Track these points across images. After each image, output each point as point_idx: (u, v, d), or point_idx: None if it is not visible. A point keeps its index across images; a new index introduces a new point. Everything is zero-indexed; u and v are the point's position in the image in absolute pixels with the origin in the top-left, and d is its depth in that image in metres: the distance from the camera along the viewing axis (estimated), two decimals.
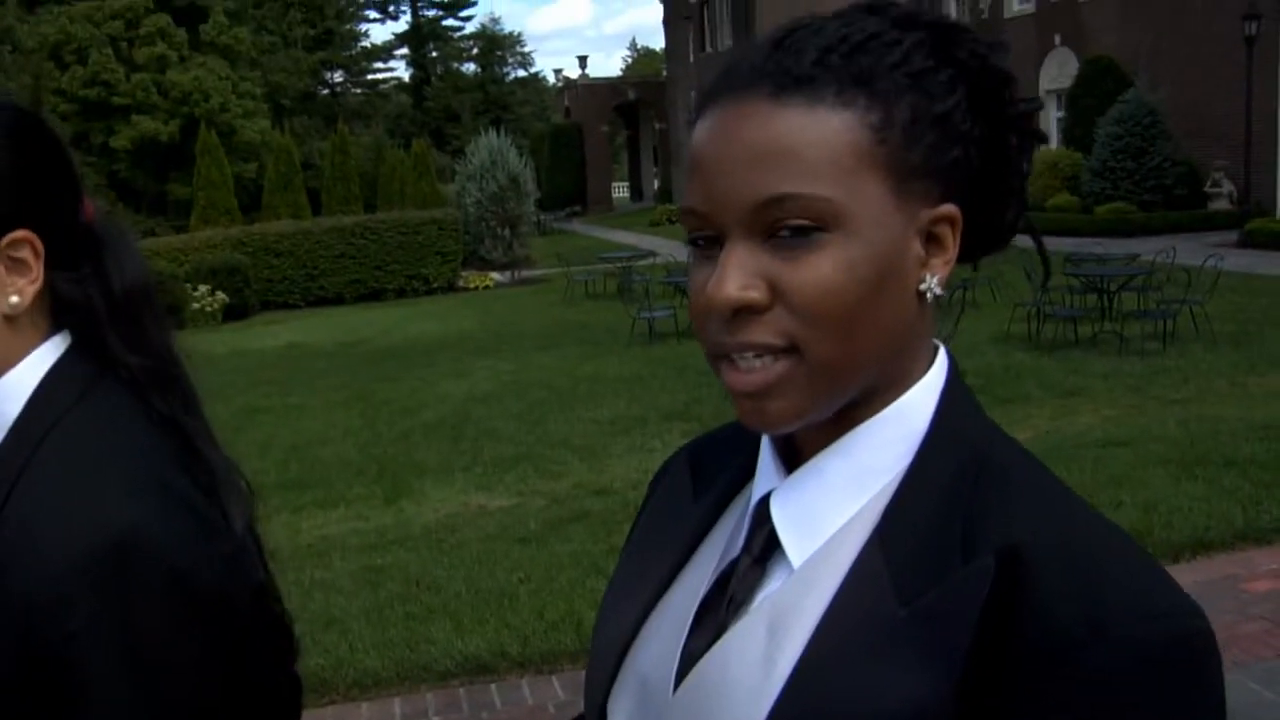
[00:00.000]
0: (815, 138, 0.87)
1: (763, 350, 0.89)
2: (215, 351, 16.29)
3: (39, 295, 1.35)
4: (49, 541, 1.24)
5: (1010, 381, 10.35)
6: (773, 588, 0.98)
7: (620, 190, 61.18)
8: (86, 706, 1.23)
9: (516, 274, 24.67)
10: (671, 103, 48.76)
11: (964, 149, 0.92)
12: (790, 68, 0.89)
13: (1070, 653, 0.82)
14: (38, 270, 1.33)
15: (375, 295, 23.29)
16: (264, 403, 12.27)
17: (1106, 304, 12.45)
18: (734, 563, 1.03)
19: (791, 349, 0.89)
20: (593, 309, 18.62)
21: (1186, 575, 4.95)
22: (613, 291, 19.21)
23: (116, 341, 1.38)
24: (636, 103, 53.41)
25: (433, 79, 69.54)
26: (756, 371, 0.90)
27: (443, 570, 6.16)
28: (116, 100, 42.33)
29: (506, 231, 25.10)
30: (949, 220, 0.92)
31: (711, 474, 1.15)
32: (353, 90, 66.21)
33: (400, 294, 23.35)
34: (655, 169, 55.50)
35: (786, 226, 0.87)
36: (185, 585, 1.28)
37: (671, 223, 35.17)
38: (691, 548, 1.11)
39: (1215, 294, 12.05)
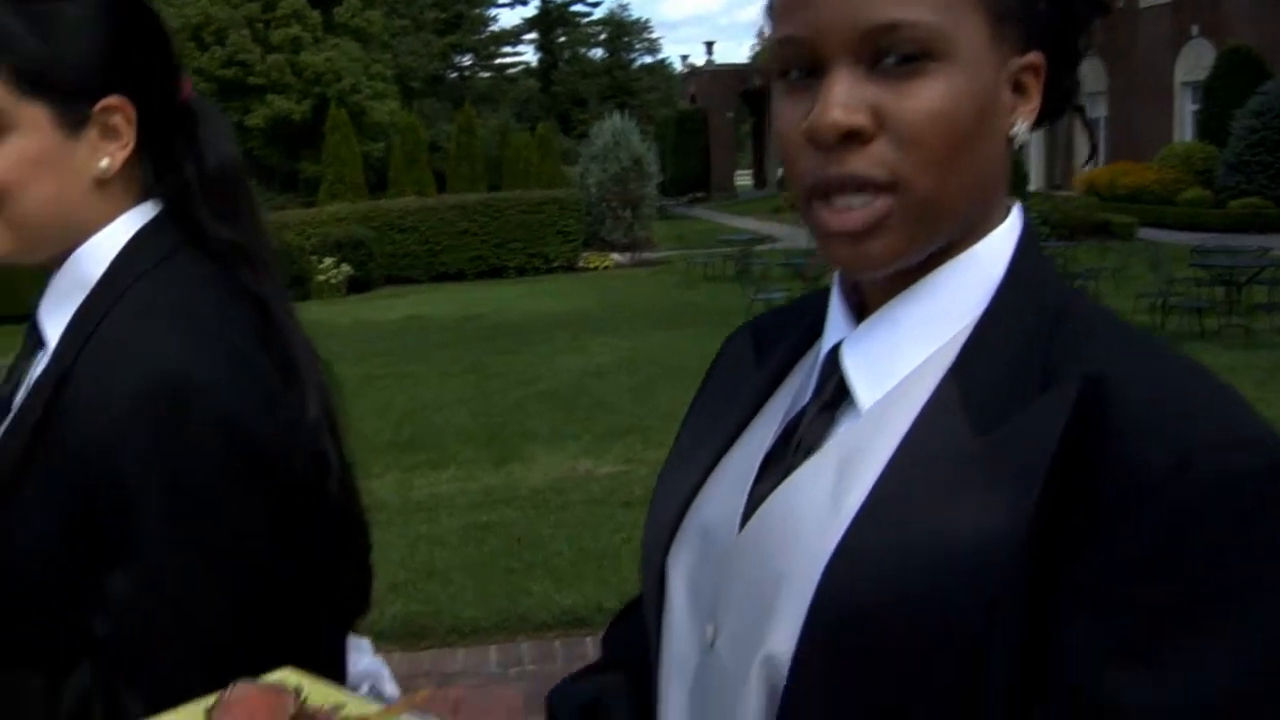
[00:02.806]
0: None
1: (864, 184, 0.87)
2: (338, 322, 16.58)
3: (130, 163, 1.37)
4: (109, 383, 1.26)
5: None
6: (842, 430, 0.95)
7: (743, 178, 61.04)
8: (137, 545, 1.24)
9: (636, 255, 24.71)
10: None
11: (1048, 2, 0.92)
12: None
13: (1154, 483, 0.79)
14: (129, 137, 1.35)
15: (496, 272, 23.50)
16: (382, 370, 12.46)
17: (1234, 297, 12.07)
18: (801, 412, 1.01)
19: (891, 186, 0.87)
20: (711, 291, 18.53)
21: None
22: (731, 274, 19.14)
23: (206, 214, 1.40)
24: (762, 90, 53.13)
25: (560, 64, 69.95)
26: (856, 211, 0.88)
27: (547, 529, 6.21)
28: (252, 80, 43.33)
29: (628, 213, 25.16)
30: (1035, 69, 0.92)
31: (774, 342, 1.13)
32: (480, 74, 66.94)
33: (521, 272, 23.53)
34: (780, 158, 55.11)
35: (894, 54, 0.86)
36: (239, 436, 1.28)
37: (794, 208, 34.86)
38: (755, 409, 1.09)
39: None
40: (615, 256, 24.54)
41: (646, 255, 24.89)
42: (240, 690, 0.98)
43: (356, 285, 21.90)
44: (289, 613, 1.28)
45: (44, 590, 1.29)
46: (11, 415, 1.36)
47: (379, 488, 7.99)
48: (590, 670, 1.22)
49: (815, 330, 1.06)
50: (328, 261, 21.51)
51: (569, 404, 10.30)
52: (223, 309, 1.37)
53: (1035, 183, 26.87)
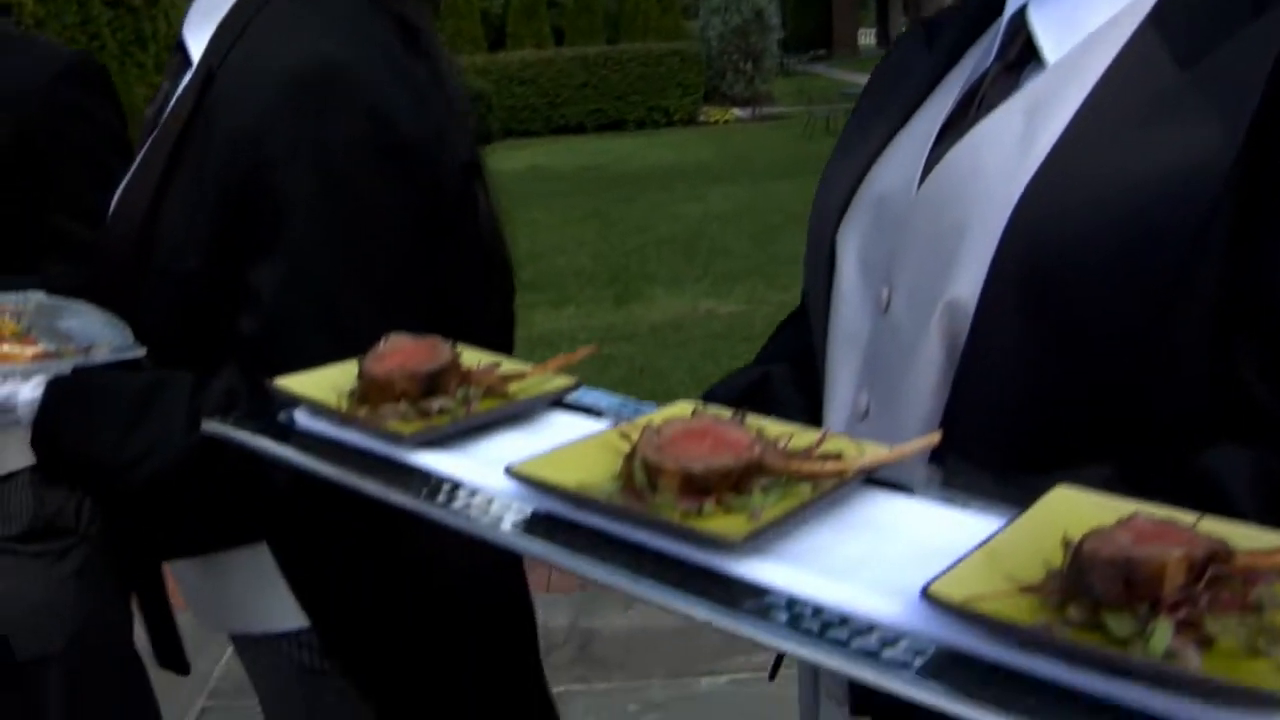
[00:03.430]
0: None
1: None
2: None
3: None
4: (258, 74, 1.25)
5: None
6: (1029, 84, 0.89)
7: (866, 36, 59.45)
8: (285, 230, 1.23)
9: (757, 110, 24.27)
10: None
11: None
12: None
13: None
14: None
15: (616, 125, 23.29)
16: (502, 217, 12.50)
17: None
18: (982, 76, 0.94)
19: None
20: (832, 144, 18.02)
21: None
22: None
23: None
24: None
25: None
26: None
27: (667, 361, 6.21)
28: None
29: (749, 66, 24.69)
30: None
31: (947, 27, 1.06)
32: None
33: (640, 125, 23.29)
34: (904, 17, 53.62)
35: None
36: (385, 124, 1.25)
37: None
38: (930, 87, 1.02)
39: None
40: (736, 111, 24.13)
41: (767, 110, 24.43)
42: (395, 340, 0.96)
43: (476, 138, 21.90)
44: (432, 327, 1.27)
45: (198, 286, 1.29)
46: (161, 121, 1.35)
47: None
48: (748, 368, 1.18)
49: (993, 8, 0.99)
50: None
51: (689, 249, 10.23)
52: (371, 17, 1.34)
53: None
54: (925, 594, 0.55)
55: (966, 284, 0.83)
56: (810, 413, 1.02)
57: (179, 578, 1.62)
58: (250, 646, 1.57)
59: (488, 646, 1.53)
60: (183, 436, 1.29)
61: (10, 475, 1.98)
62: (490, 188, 1.49)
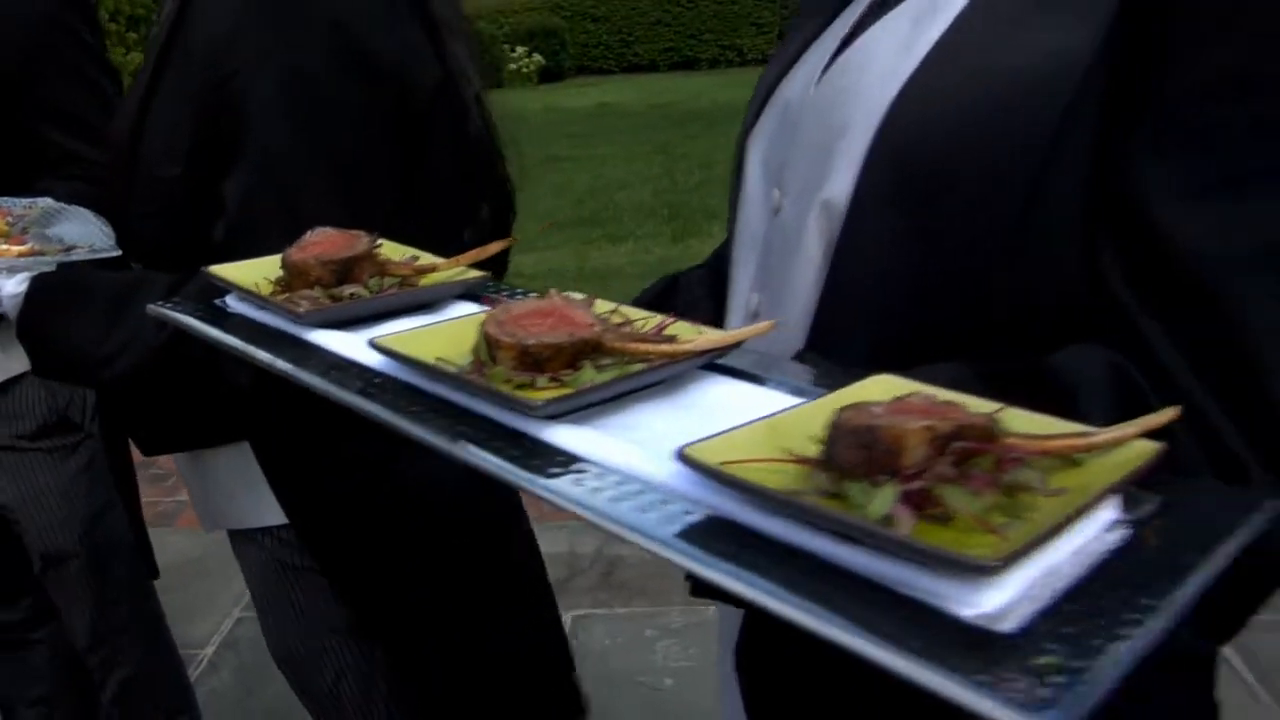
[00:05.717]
0: None
1: None
2: (528, 108, 16.63)
3: None
4: None
5: None
6: None
7: None
8: (254, 134, 1.26)
9: None
10: None
11: None
12: None
13: (1240, 2, 0.72)
14: None
15: (689, 64, 23.11)
16: (568, 153, 12.48)
17: None
18: None
19: None
20: None
21: None
22: None
23: None
24: None
25: None
26: None
27: None
28: None
29: None
30: None
31: None
32: None
33: (713, 64, 23.09)
34: None
35: None
36: (351, 39, 1.28)
37: None
38: (839, 9, 1.03)
39: None
40: None
41: None
42: (320, 232, 1.00)
43: (548, 75, 21.83)
44: (412, 229, 1.30)
45: (179, 193, 1.34)
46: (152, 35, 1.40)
47: (553, 259, 8.09)
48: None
49: None
50: (520, 50, 21.47)
51: None
52: None
53: None
54: (680, 456, 0.56)
55: (841, 183, 0.84)
56: (716, 314, 1.03)
57: (185, 480, 1.69)
58: (239, 541, 1.62)
59: (471, 562, 1.56)
60: (154, 334, 1.34)
61: (22, 375, 2.06)
62: (488, 113, 1.52)
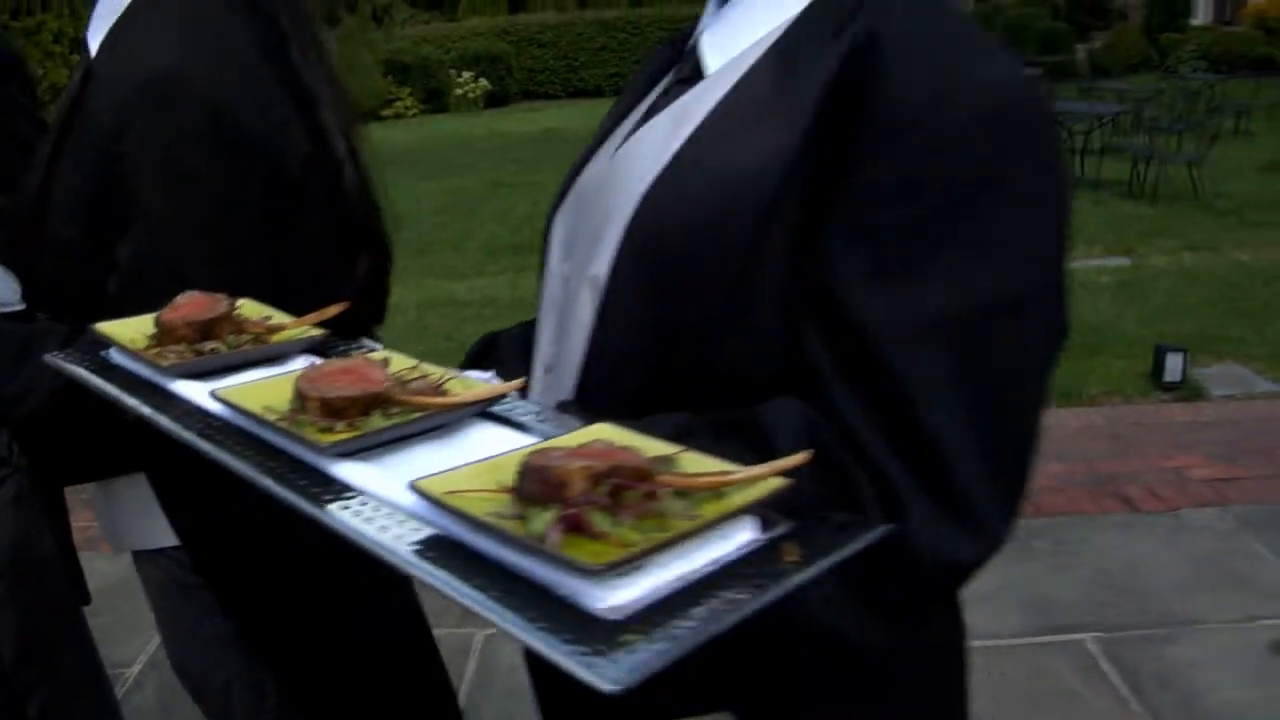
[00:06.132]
0: None
1: None
2: (473, 133, 16.80)
3: None
4: (120, 76, 1.48)
5: (1267, 208, 9.87)
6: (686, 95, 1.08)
7: None
8: (139, 209, 1.45)
9: None
10: None
11: None
12: None
13: (911, 116, 0.89)
14: None
15: None
16: (511, 179, 12.64)
17: None
18: (666, 89, 1.13)
19: None
20: None
21: None
22: None
23: None
24: None
25: None
26: None
27: None
28: None
29: None
30: None
31: (686, 39, 1.24)
32: None
33: None
34: None
35: None
36: (227, 125, 1.46)
37: None
38: (646, 93, 1.21)
39: None
40: None
41: None
42: (188, 295, 1.18)
43: (494, 100, 22.02)
44: (288, 288, 1.47)
45: (78, 253, 1.52)
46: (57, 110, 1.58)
47: (490, 286, 8.26)
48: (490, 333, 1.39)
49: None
50: (466, 75, 21.65)
51: None
52: (233, 23, 1.54)
53: (1202, 16, 25.55)
54: (412, 487, 0.75)
55: (604, 262, 1.03)
56: (524, 367, 1.22)
57: (94, 505, 1.86)
58: (141, 560, 1.80)
59: (342, 579, 1.73)
60: (53, 379, 1.52)
61: None
62: (363, 165, 1.69)
